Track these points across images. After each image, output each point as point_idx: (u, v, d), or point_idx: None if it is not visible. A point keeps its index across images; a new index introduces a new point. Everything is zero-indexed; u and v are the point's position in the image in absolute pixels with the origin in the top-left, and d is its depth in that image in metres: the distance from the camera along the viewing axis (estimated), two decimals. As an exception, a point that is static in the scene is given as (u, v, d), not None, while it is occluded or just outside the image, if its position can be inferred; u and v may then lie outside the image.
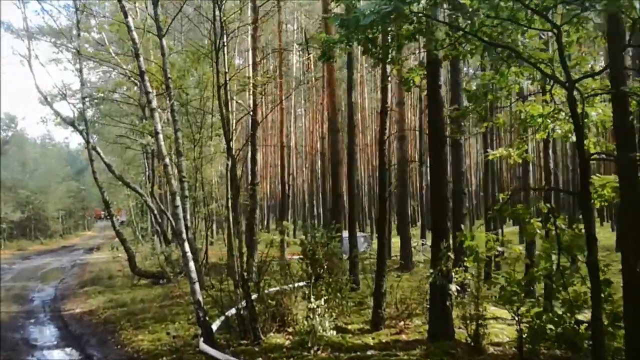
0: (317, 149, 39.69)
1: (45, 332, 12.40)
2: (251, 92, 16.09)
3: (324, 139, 31.17)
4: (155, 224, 24.49)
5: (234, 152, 10.03)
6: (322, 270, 11.08)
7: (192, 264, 9.17)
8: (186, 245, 9.17)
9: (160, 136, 9.12)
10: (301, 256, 11.82)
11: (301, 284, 11.09)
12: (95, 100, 21.76)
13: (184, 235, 9.19)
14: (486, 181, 20.58)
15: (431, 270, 9.01)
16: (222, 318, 10.01)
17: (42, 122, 35.75)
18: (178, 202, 9.16)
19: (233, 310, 10.14)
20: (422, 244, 22.49)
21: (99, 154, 18.91)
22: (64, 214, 62.11)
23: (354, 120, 16.12)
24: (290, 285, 10.65)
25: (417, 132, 26.47)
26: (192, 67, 19.28)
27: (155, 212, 21.18)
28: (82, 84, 17.70)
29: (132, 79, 20.91)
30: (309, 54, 27.66)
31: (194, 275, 9.16)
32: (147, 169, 24.23)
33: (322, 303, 9.60)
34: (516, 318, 8.18)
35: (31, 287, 19.58)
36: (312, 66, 37.63)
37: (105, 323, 12.50)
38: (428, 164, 14.83)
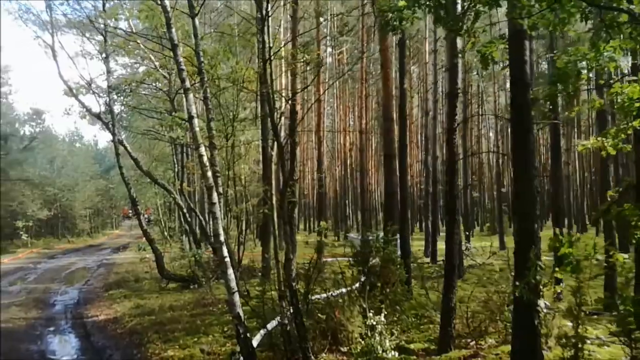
0: (353, 144, 38.28)
1: (65, 343, 11.31)
2: (291, 75, 14.78)
3: (364, 133, 29.88)
4: (184, 224, 23.40)
5: (281, 140, 8.72)
6: (377, 279, 9.71)
7: (231, 272, 7.87)
8: (224, 249, 7.88)
9: (195, 121, 7.86)
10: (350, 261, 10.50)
11: (342, 290, 9.83)
12: (123, 93, 20.72)
13: (222, 238, 7.90)
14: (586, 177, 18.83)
15: (516, 283, 7.58)
16: (263, 332, 8.72)
17: (66, 114, 34.89)
18: (215, 198, 7.87)
19: (273, 322, 8.88)
20: (467, 248, 20.97)
21: (125, 148, 17.88)
22: (91, 212, 61.99)
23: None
24: (337, 295, 9.41)
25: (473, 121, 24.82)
26: (224, 55, 18.12)
27: (185, 210, 20.06)
28: (108, 71, 16.65)
29: (161, 70, 19.95)
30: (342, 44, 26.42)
31: (233, 284, 7.86)
32: (175, 165, 23.16)
33: (382, 319, 8.24)
34: (628, 342, 6.74)
35: (54, 290, 18.66)
36: (345, 58, 36.35)
37: (130, 334, 11.33)
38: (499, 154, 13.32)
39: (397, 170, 12.93)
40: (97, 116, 18.13)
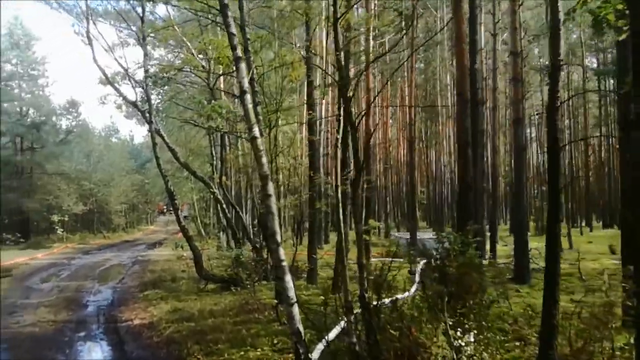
0: (403, 136, 36.52)
1: (96, 352, 10.19)
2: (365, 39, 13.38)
3: (412, 124, 28.29)
4: (222, 220, 22.31)
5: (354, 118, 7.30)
6: (456, 289, 8.24)
7: (289, 278, 6.59)
8: (281, 251, 6.60)
9: (248, 97, 6.58)
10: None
11: (405, 295, 8.46)
12: (160, 81, 19.69)
13: (278, 237, 6.61)
14: None
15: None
16: (321, 346, 7.42)
17: (102, 103, 34.21)
18: (270, 189, 6.58)
19: (332, 335, 7.58)
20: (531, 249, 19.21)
21: (162, 137, 16.87)
22: (127, 207, 61.93)
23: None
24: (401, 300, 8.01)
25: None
26: (265, 40, 16.93)
27: (224, 205, 18.94)
28: (146, 54, 15.60)
29: (199, 57, 18.90)
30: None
31: (292, 293, 6.58)
32: (214, 158, 22.09)
33: (471, 339, 6.82)
34: None
35: (87, 289, 17.77)
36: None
37: (168, 343, 10.16)
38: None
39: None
40: (134, 104, 17.14)
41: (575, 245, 24.98)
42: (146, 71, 15.61)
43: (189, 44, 19.39)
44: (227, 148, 23.52)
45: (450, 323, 7.21)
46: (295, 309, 6.50)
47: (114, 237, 51.58)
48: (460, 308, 8.16)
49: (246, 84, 6.58)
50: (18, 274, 21.74)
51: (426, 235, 29.29)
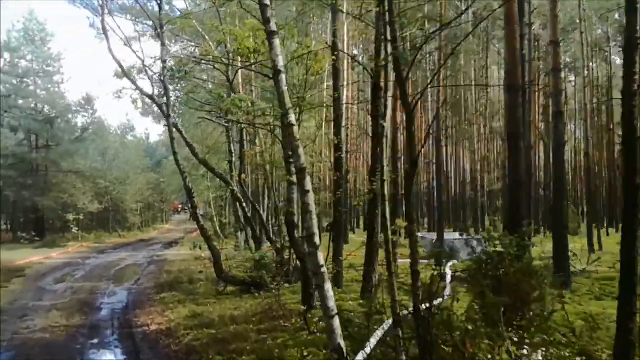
0: (431, 132, 35.37)
1: (109, 361, 9.46)
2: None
3: (437, 121, 27.25)
4: (242, 219, 21.53)
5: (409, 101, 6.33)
6: (513, 298, 7.35)
7: (329, 287, 5.76)
8: (320, 256, 5.76)
9: (283, 77, 5.76)
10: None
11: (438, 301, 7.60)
12: (177, 75, 18.96)
13: (317, 240, 5.77)
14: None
15: None
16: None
17: (117, 97, 33.46)
18: (308, 184, 5.75)
19: (369, 348, 6.73)
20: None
21: (180, 132, 16.16)
22: (142, 206, 61.49)
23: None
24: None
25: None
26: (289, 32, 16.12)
27: (244, 204, 18.17)
28: (163, 44, 14.81)
29: (218, 50, 18.21)
30: None
31: (332, 304, 5.75)
32: (233, 155, 21.31)
33: (539, 358, 5.95)
34: None
35: (101, 290, 17.11)
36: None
37: (188, 352, 9.40)
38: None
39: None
40: (150, 97, 16.43)
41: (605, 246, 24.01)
42: (164, 62, 14.85)
43: (206, 37, 18.71)
44: (246, 145, 22.74)
45: (516, 339, 6.36)
46: (337, 322, 5.68)
47: (130, 236, 51.14)
48: (518, 320, 7.28)
49: (281, 62, 5.76)
50: (32, 273, 21.20)
51: (451, 236, 28.30)
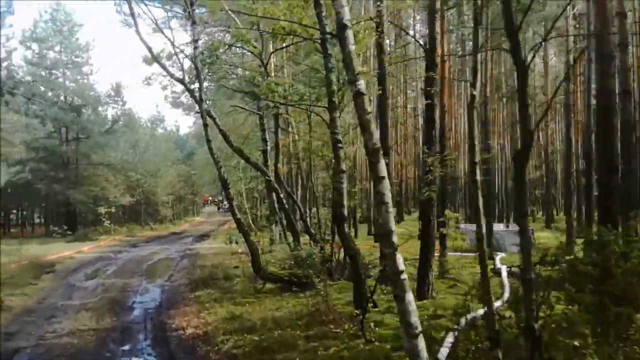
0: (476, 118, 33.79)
1: (143, 373, 8.51)
2: None
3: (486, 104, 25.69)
4: (277, 211, 20.52)
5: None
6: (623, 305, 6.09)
7: (411, 298, 4.61)
8: (399, 259, 4.60)
9: (350, 33, 4.59)
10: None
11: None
12: (209, 59, 17.99)
13: (395, 238, 4.62)
14: None
15: None
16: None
17: (147, 84, 32.64)
18: (383, 169, 4.59)
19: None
20: None
21: (214, 119, 15.16)
22: (173, 198, 61.21)
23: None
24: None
25: None
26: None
27: (281, 195, 17.13)
28: (194, 22, 13.78)
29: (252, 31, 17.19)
30: None
31: (414, 319, 4.63)
32: (267, 144, 20.28)
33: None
34: None
35: (133, 287, 16.30)
36: None
37: (229, 363, 8.38)
38: None
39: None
40: (181, 81, 15.49)
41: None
42: (195, 41, 13.82)
43: (237, 20, 17.64)
44: (280, 133, 21.73)
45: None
46: (422, 343, 4.52)
47: (161, 228, 50.81)
48: (632, 333, 6.03)
49: (347, 15, 4.60)
50: (62, 269, 20.58)
51: (496, 227, 26.83)
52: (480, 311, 6.12)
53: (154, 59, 15.77)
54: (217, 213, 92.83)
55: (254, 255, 14.27)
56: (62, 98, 40.74)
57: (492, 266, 14.36)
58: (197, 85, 14.40)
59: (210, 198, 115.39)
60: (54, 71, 39.96)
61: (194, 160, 70.84)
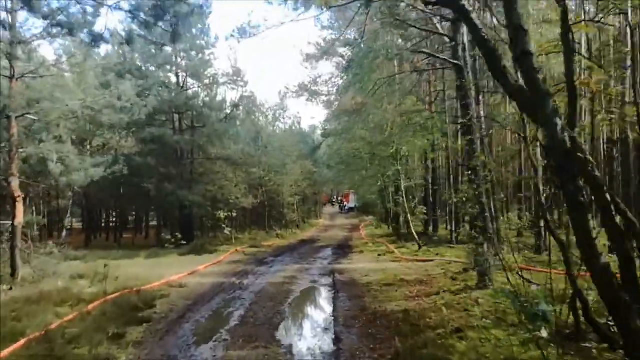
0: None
1: None
2: None
3: None
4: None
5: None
6: None
7: None
8: None
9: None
10: None
11: None
12: None
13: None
14: None
15: None
16: None
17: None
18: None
19: None
20: None
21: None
22: (298, 199, 54.19)
23: None
24: None
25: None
26: None
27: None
28: None
29: None
30: None
31: None
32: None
33: None
34: None
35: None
36: None
37: None
38: None
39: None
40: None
41: None
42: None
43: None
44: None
45: None
46: None
47: (287, 235, 43.89)
48: None
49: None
50: (163, 311, 13.41)
51: None
52: None
53: None
54: (338, 215, 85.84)
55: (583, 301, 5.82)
56: (174, 80, 34.77)
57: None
58: None
59: (332, 198, 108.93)
60: (164, 44, 33.20)
61: (319, 156, 63.92)
